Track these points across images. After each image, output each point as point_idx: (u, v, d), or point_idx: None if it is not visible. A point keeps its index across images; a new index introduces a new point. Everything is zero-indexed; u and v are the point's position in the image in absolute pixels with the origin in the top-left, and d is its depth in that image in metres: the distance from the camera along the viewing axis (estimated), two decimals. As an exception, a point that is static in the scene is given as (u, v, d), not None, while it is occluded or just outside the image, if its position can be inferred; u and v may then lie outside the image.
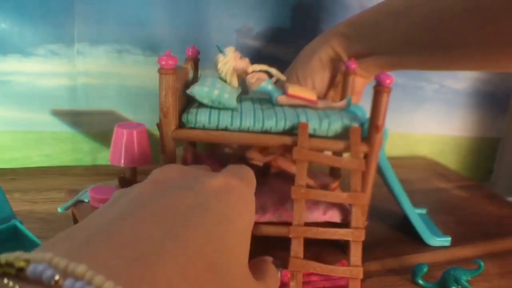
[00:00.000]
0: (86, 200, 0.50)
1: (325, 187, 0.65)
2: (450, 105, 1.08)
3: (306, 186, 0.54)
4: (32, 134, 0.83)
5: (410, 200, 0.66)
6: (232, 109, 0.58)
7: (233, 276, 0.26)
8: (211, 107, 0.58)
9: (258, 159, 0.64)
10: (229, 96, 0.57)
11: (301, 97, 0.60)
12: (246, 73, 0.61)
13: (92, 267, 0.19)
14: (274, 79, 0.64)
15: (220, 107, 0.57)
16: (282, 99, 0.61)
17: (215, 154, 0.68)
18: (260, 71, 0.62)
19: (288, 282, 0.50)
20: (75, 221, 0.52)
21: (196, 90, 0.57)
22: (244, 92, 0.64)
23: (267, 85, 0.61)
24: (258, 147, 0.65)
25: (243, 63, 0.60)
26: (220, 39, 0.86)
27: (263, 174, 0.64)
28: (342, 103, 0.63)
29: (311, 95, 0.61)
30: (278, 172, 0.66)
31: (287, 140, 0.56)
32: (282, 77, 0.64)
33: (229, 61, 0.58)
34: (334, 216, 0.61)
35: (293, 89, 0.60)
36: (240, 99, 0.63)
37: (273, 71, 0.63)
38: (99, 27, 0.80)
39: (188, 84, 0.64)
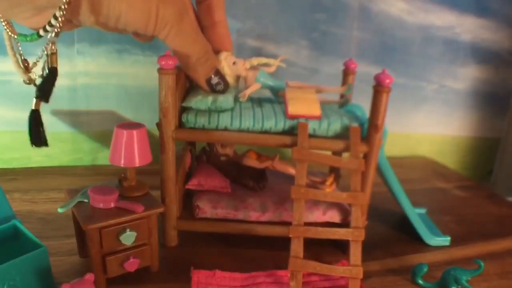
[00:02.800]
0: (86, 200, 0.50)
1: (320, 183, 0.65)
2: (450, 105, 1.08)
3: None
4: (32, 134, 0.83)
5: (410, 200, 0.66)
6: (231, 109, 0.58)
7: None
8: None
9: (256, 166, 0.64)
10: (224, 97, 0.57)
11: (304, 115, 0.57)
12: (244, 74, 0.60)
13: None
14: (273, 68, 0.63)
15: (218, 110, 0.57)
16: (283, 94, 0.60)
17: (211, 161, 0.67)
18: (258, 65, 0.61)
19: (288, 282, 0.50)
20: (75, 221, 0.52)
21: (191, 102, 0.56)
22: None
23: (266, 82, 0.61)
24: (254, 155, 0.65)
25: (237, 68, 0.59)
26: (220, 39, 0.86)
27: (261, 178, 0.65)
28: (343, 88, 0.63)
29: (314, 111, 0.57)
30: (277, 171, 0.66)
31: (287, 140, 0.56)
32: (282, 64, 0.63)
33: (223, 68, 0.58)
34: (334, 216, 0.61)
35: (293, 108, 0.57)
36: (239, 99, 0.63)
37: (271, 61, 0.62)
38: (99, 27, 0.80)
39: (188, 84, 0.64)
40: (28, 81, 0.45)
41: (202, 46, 0.49)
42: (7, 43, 0.43)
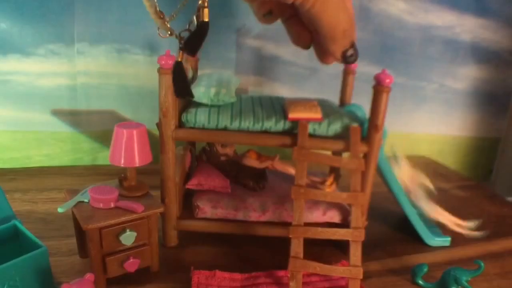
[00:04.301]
0: (86, 200, 0.50)
1: (320, 183, 0.65)
2: (450, 104, 1.08)
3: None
4: (32, 134, 0.83)
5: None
6: (232, 107, 0.58)
7: None
8: (210, 106, 0.58)
9: (256, 166, 0.64)
10: (227, 90, 0.57)
11: (304, 119, 0.56)
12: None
13: None
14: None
15: (220, 104, 0.57)
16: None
17: (211, 161, 0.67)
18: None
19: (288, 282, 0.50)
20: (75, 221, 0.52)
21: (194, 94, 0.57)
22: (244, 91, 0.64)
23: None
24: (254, 154, 0.65)
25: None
26: (220, 39, 0.86)
27: (261, 178, 0.65)
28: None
29: (314, 114, 0.57)
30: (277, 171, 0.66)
31: (287, 140, 0.56)
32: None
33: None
34: (334, 216, 0.61)
35: (293, 113, 0.57)
36: (240, 98, 0.63)
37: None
38: (99, 27, 0.80)
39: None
40: (167, 32, 0.45)
41: (349, 15, 0.43)
42: None
